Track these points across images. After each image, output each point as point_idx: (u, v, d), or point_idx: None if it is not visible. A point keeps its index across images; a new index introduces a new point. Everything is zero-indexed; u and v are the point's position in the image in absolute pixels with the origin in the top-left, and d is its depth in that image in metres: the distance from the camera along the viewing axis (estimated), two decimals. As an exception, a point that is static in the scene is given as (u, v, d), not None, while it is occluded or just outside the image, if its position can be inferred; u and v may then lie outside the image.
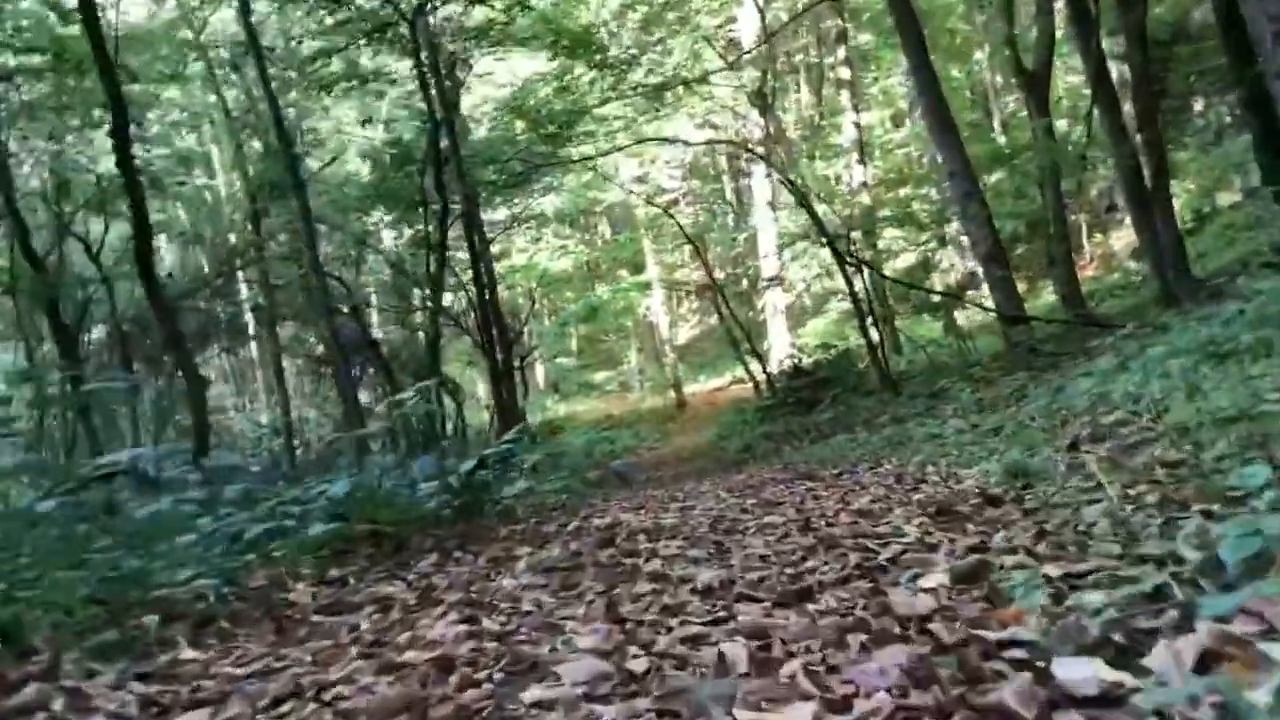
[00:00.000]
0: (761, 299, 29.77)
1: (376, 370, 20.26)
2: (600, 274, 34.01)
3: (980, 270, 28.16)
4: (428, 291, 19.90)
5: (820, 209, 24.54)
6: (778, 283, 25.48)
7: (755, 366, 21.02)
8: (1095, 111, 16.97)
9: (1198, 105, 28.43)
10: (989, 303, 19.11)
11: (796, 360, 20.15)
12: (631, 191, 23.38)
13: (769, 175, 29.43)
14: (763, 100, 30.15)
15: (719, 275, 27.37)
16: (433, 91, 14.04)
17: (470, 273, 16.28)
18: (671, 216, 22.48)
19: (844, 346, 20.40)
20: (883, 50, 30.86)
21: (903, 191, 25.31)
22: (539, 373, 36.81)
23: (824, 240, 15.09)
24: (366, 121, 14.70)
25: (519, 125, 17.13)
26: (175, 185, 17.93)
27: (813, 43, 36.32)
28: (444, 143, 14.26)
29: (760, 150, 20.40)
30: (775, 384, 20.15)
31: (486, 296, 17.62)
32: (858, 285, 16.17)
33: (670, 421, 27.50)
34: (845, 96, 24.96)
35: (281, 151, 12.96)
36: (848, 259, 15.10)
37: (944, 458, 7.29)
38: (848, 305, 28.76)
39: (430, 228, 14.69)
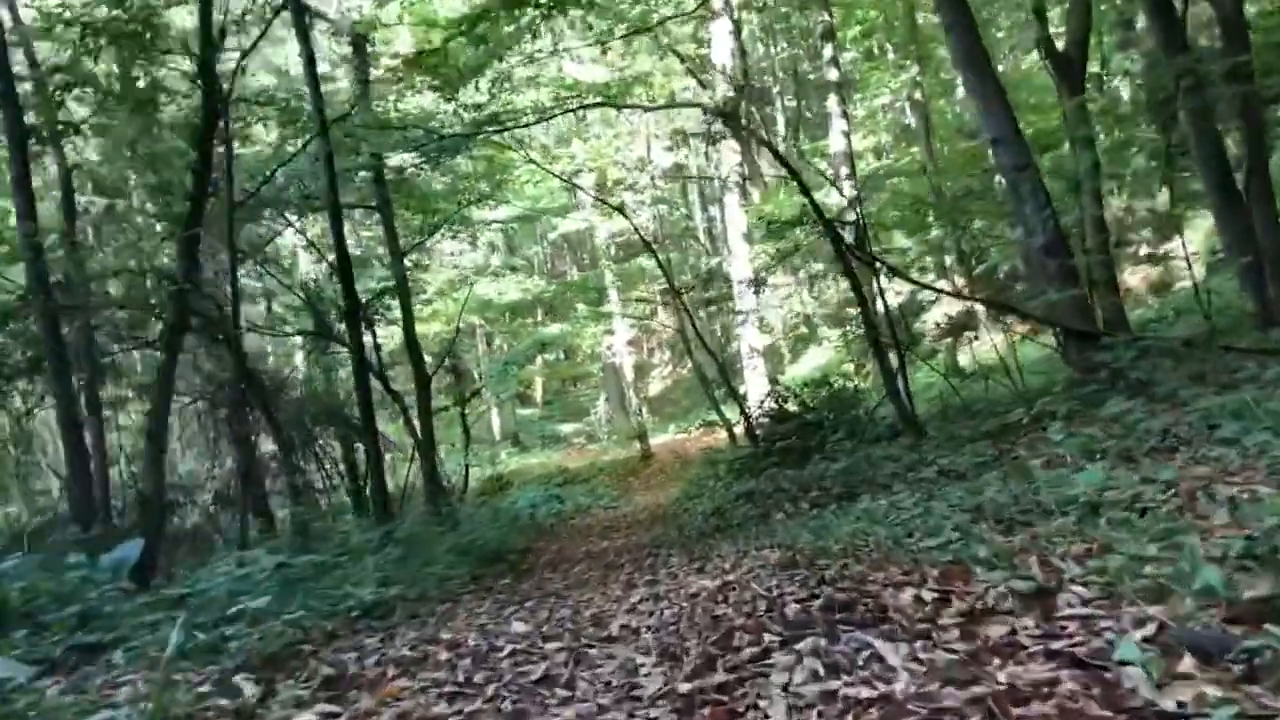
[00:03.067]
0: (735, 340, 24.85)
1: (268, 412, 15.00)
2: (557, 311, 28.81)
3: (980, 308, 23.27)
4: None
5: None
6: (754, 289, 20.22)
7: (750, 382, 15.88)
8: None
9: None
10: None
11: (780, 399, 15.05)
12: (576, 185, 18.34)
13: (744, 205, 24.75)
14: (736, 123, 25.56)
15: (696, 320, 22.30)
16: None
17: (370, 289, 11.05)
18: (626, 217, 17.47)
19: (838, 385, 15.31)
20: (868, 71, 26.38)
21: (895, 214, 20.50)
22: (494, 422, 31.54)
23: (822, 229, 10.10)
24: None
25: (420, 85, 12.18)
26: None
27: (791, 60, 31.97)
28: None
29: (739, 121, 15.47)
30: (755, 430, 15.01)
31: (374, 325, 12.52)
32: (867, 305, 11.13)
33: (633, 476, 22.31)
34: (832, 102, 20.18)
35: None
36: (856, 253, 10.09)
37: None
38: (839, 342, 23.81)
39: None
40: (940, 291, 12.29)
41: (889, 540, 5.00)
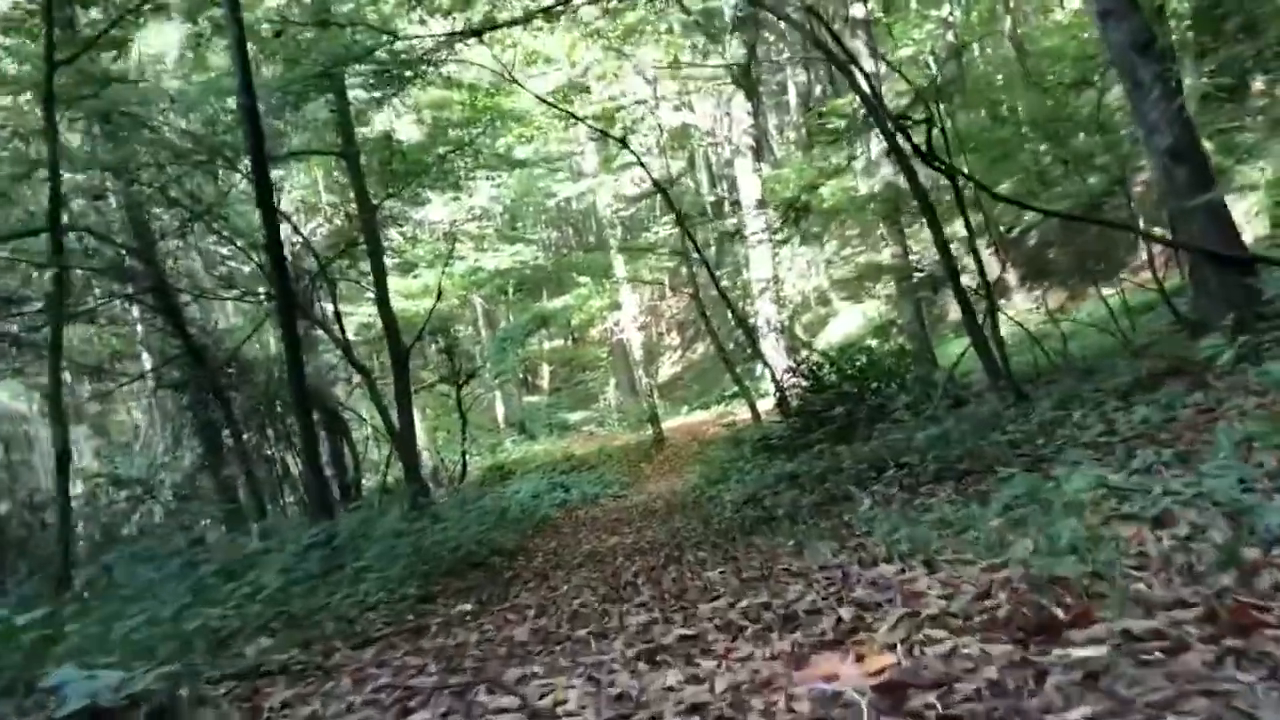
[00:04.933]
0: (751, 317, 21.97)
1: (218, 393, 12.27)
2: (563, 285, 25.84)
3: (1020, 279, 20.26)
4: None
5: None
6: (793, 220, 17.21)
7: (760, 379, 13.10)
8: None
9: (1259, 83, 20.42)
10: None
11: (814, 368, 12.25)
12: (574, 116, 15.21)
13: (757, 170, 21.88)
14: (749, 81, 22.71)
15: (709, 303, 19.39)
16: None
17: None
18: (629, 149, 14.41)
19: (885, 348, 12.57)
20: (888, 23, 23.36)
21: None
22: (499, 409, 28.79)
23: (881, 127, 7.28)
24: None
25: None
26: None
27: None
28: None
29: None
30: (787, 402, 12.23)
31: (335, 287, 9.82)
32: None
33: (645, 461, 19.49)
34: (861, 42, 17.27)
35: None
36: (930, 160, 7.25)
37: None
38: (882, 297, 21.05)
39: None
40: (1047, 213, 9.30)
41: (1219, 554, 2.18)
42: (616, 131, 19.38)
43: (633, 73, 19.36)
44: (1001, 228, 20.69)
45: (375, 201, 12.38)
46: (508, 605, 5.01)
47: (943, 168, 7.40)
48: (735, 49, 21.75)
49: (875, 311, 21.92)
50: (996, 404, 7.54)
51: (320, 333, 15.05)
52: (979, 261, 7.85)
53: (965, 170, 7.60)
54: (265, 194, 7.63)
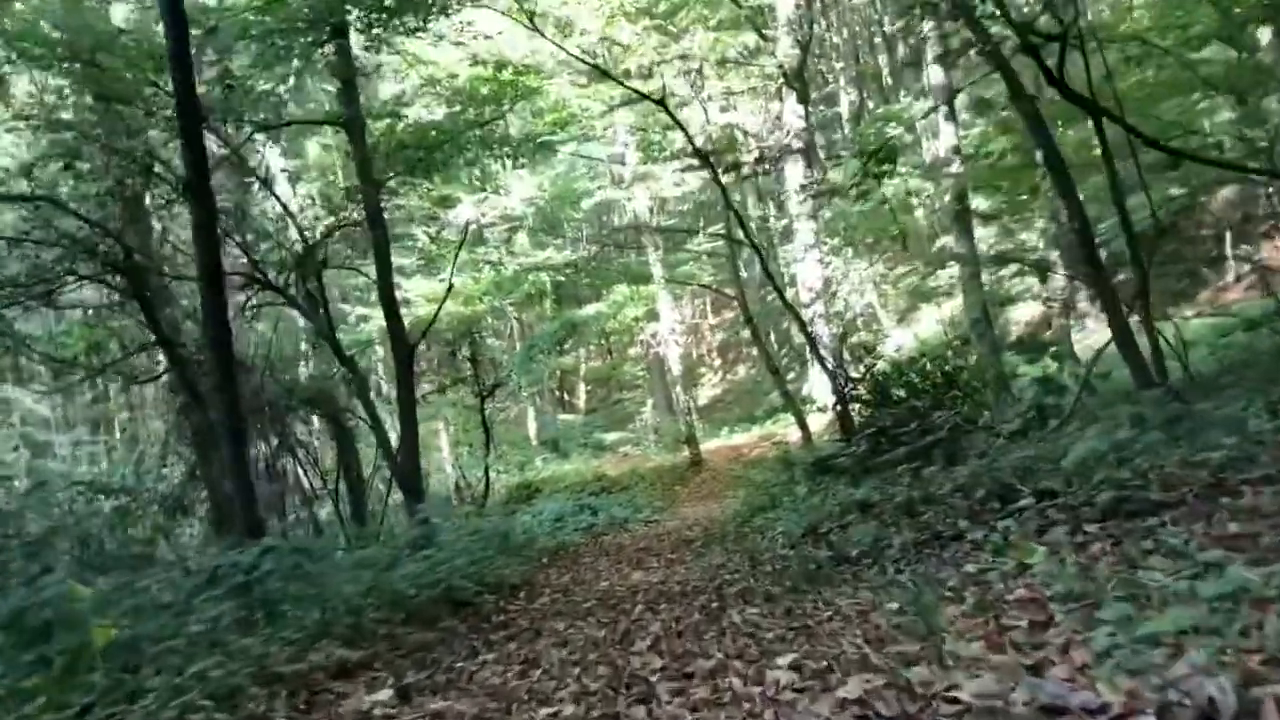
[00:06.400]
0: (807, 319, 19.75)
1: (193, 391, 10.45)
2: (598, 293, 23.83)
3: (1080, 297, 17.88)
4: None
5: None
6: (823, 294, 15.45)
7: (817, 380, 11.11)
8: None
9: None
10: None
11: (880, 376, 10.21)
12: (608, 74, 13.03)
13: (808, 175, 19.92)
14: (802, 84, 20.78)
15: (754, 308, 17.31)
16: None
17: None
18: (670, 114, 12.17)
19: (954, 357, 10.55)
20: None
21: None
22: (531, 426, 26.95)
23: (990, 50, 5.28)
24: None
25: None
26: None
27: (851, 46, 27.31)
28: None
29: None
30: (849, 418, 10.18)
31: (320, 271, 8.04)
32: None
33: (680, 484, 17.45)
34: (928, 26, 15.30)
35: None
36: (1065, 90, 5.24)
37: None
38: (938, 320, 19.04)
39: None
40: (1222, 164, 7.15)
41: None
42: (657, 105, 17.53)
43: (677, 58, 17.50)
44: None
45: (380, 178, 10.58)
46: (447, 697, 3.06)
47: (1087, 102, 5.37)
48: (787, 48, 19.94)
49: (931, 330, 19.78)
50: (1152, 414, 5.47)
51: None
52: (1131, 238, 5.80)
53: (1108, 108, 5.52)
54: (187, 97, 5.82)
